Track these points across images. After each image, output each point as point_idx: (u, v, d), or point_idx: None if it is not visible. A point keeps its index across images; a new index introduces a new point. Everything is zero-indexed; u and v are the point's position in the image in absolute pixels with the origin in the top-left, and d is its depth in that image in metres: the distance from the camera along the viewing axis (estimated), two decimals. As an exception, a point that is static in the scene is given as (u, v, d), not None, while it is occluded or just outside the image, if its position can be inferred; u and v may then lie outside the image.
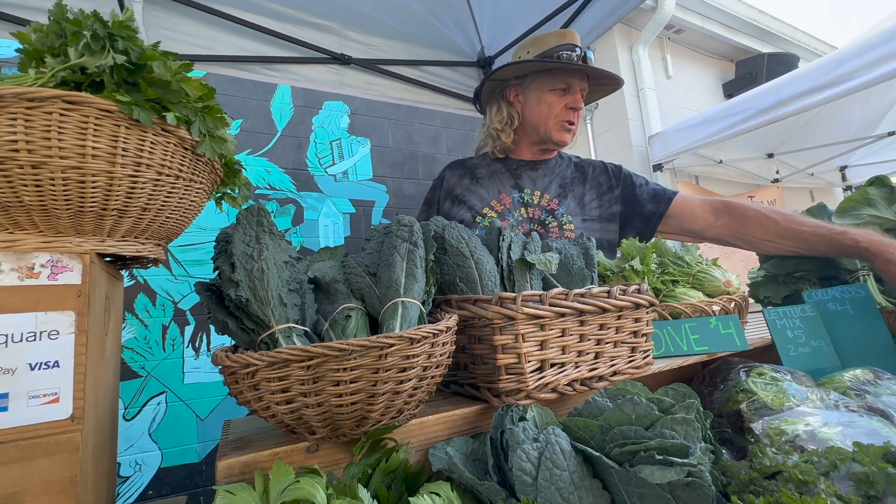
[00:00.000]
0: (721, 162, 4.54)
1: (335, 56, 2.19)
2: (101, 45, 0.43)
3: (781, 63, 4.83)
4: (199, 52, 1.92)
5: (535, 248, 0.98)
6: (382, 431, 0.60)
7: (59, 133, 0.42)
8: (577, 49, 1.34)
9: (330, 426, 0.57)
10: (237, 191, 0.71)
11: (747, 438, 0.85)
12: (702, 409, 0.73)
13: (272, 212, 3.03)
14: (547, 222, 1.38)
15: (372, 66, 2.28)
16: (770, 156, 4.88)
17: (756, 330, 1.31)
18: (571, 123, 1.39)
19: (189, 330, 2.74)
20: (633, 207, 1.45)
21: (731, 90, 5.23)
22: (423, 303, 0.75)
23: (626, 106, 4.45)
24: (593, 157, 4.72)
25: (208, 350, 2.76)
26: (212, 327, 2.90)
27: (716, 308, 1.09)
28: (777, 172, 5.09)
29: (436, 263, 0.86)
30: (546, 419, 0.67)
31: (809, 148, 4.62)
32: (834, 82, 2.84)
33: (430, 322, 0.75)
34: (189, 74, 0.53)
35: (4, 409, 0.41)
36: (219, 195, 0.71)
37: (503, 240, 0.95)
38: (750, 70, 4.99)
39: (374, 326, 0.75)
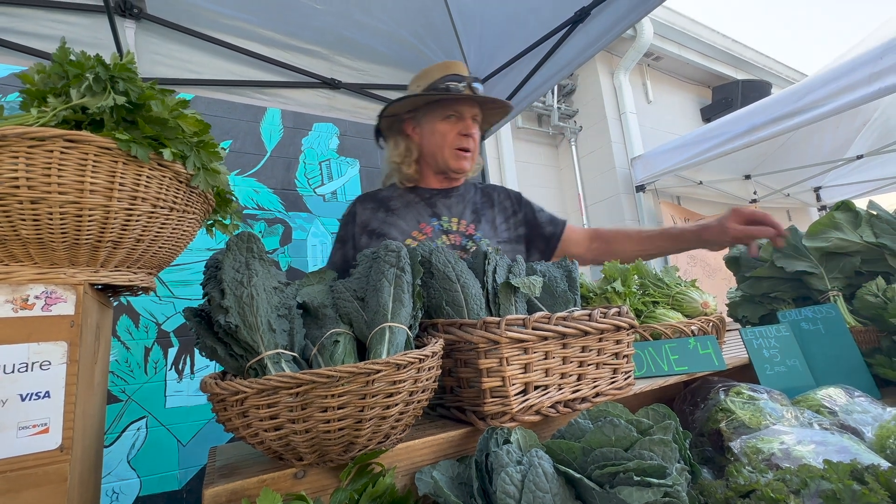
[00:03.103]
0: (701, 183, 4.68)
1: (325, 80, 2.24)
2: (103, 87, 0.45)
3: (755, 89, 5.06)
4: (191, 77, 1.95)
5: (520, 272, 1.01)
6: (369, 456, 0.61)
7: (59, 170, 0.44)
8: (463, 79, 1.40)
9: (317, 452, 0.58)
10: (228, 218, 0.73)
11: (727, 457, 0.87)
12: (680, 429, 0.75)
13: (260, 232, 3.02)
14: (468, 247, 1.40)
15: (361, 90, 2.33)
16: (748, 177, 5.05)
17: (734, 349, 1.35)
18: (466, 150, 1.43)
19: (172, 352, 2.68)
20: (536, 229, 1.54)
21: (708, 114, 5.44)
22: (411, 327, 0.77)
23: (610, 129, 4.60)
24: (579, 179, 4.83)
25: (192, 373, 2.71)
26: (196, 350, 2.84)
27: (694, 328, 1.13)
28: (755, 193, 5.26)
29: (423, 287, 0.88)
30: (530, 441, 0.69)
31: (785, 170, 4.81)
32: (804, 109, 2.99)
33: (416, 346, 0.76)
34: (179, 97, 0.55)
35: (-7, 440, 0.41)
36: (210, 223, 0.73)
37: (488, 263, 0.98)
38: (726, 95, 5.21)
39: (362, 350, 0.76)
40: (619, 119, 4.71)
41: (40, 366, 0.44)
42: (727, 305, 1.65)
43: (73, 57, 0.46)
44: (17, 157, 0.42)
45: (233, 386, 0.54)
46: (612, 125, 4.64)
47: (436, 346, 0.68)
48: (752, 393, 0.99)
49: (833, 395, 0.99)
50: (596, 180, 4.65)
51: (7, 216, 0.43)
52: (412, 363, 0.60)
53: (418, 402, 0.64)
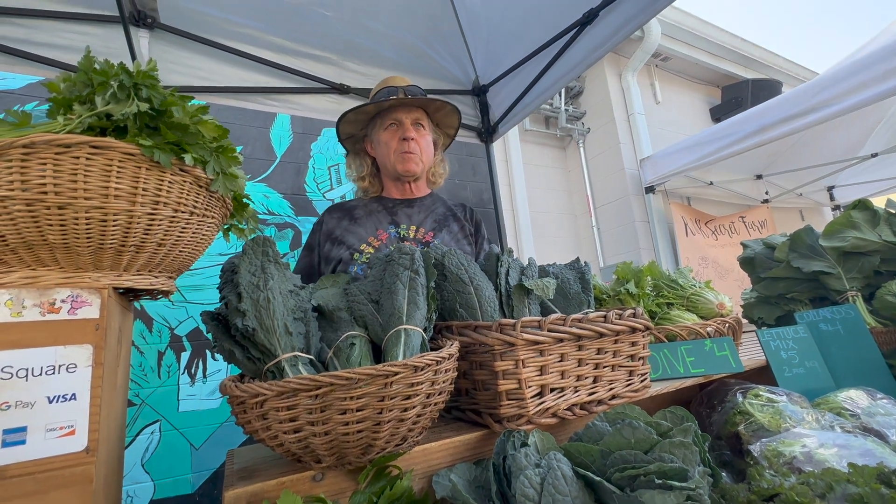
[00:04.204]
0: (711, 183, 4.64)
1: (334, 86, 2.25)
2: (127, 94, 0.46)
3: (765, 88, 5.01)
4: (202, 84, 1.98)
5: (533, 274, 1.00)
6: (387, 459, 0.61)
7: (85, 176, 0.44)
8: (397, 89, 1.48)
9: (336, 454, 0.58)
10: (245, 223, 0.73)
11: (746, 460, 0.86)
12: (699, 431, 0.74)
13: (271, 235, 3.04)
14: None
15: (370, 94, 2.35)
16: (759, 177, 4.99)
17: (751, 351, 1.33)
18: (409, 152, 1.47)
19: (185, 356, 2.71)
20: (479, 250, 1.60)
21: (718, 114, 5.40)
22: (425, 329, 0.77)
23: (618, 130, 4.58)
24: (587, 181, 4.81)
25: (204, 377, 2.73)
26: (208, 353, 2.86)
27: (710, 330, 1.11)
28: (766, 193, 5.20)
29: (436, 290, 0.88)
30: (547, 444, 0.68)
31: (797, 169, 4.75)
32: (815, 108, 2.95)
33: (431, 349, 0.76)
34: (191, 104, 0.56)
35: (23, 442, 0.42)
36: (227, 227, 0.74)
37: (501, 266, 0.98)
38: (735, 95, 5.16)
39: (377, 353, 0.76)
40: (627, 120, 4.69)
41: (67, 368, 0.45)
42: (742, 307, 1.63)
43: (97, 65, 0.47)
44: (44, 164, 0.43)
45: (252, 388, 0.54)
46: (621, 126, 4.62)
47: (452, 348, 0.68)
48: (770, 395, 0.98)
49: (854, 398, 0.97)
50: (605, 182, 4.63)
51: (35, 221, 0.44)
52: (429, 365, 0.60)
53: (435, 404, 0.64)
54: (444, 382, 0.65)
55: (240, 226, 0.72)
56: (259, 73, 2.12)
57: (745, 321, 1.51)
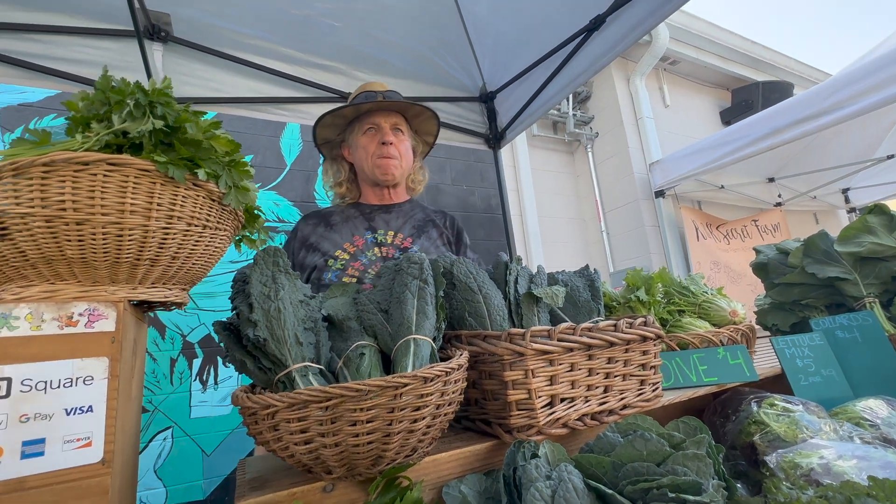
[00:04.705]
0: (722, 187, 4.59)
1: (342, 95, 2.28)
2: (142, 112, 0.47)
3: (777, 90, 4.96)
4: (214, 95, 2.02)
5: (542, 282, 1.00)
6: (397, 470, 0.61)
7: (103, 192, 0.46)
8: (376, 94, 1.45)
9: (346, 465, 0.58)
10: (256, 233, 0.74)
11: (762, 472, 0.84)
12: (713, 442, 0.73)
13: (281, 244, 3.07)
14: None
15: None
16: (771, 180, 4.92)
17: (765, 358, 1.31)
18: (388, 156, 1.44)
19: (197, 363, 2.74)
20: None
21: (728, 117, 5.35)
22: (434, 339, 0.77)
23: (627, 135, 4.56)
24: (596, 186, 4.78)
25: (216, 384, 2.76)
26: (219, 360, 2.89)
27: (723, 338, 1.10)
28: (779, 196, 5.13)
29: (445, 298, 0.88)
30: (558, 455, 0.68)
31: (810, 172, 4.67)
32: (829, 110, 2.91)
33: (441, 358, 0.76)
34: (203, 118, 0.57)
35: (41, 453, 0.43)
36: (238, 238, 0.75)
37: (510, 273, 0.98)
38: (746, 98, 5.12)
39: (387, 363, 0.77)
40: (636, 124, 4.66)
41: (83, 381, 0.46)
42: (755, 313, 1.60)
43: (114, 84, 0.48)
44: (64, 181, 0.44)
45: (264, 400, 0.54)
46: (630, 131, 4.60)
47: (461, 358, 0.68)
48: (786, 404, 0.96)
49: (874, 407, 0.95)
50: (614, 186, 4.60)
51: (54, 237, 0.45)
52: (439, 376, 0.60)
53: (445, 415, 0.64)
54: (453, 393, 0.65)
55: (251, 237, 0.73)
56: (269, 84, 2.15)
57: (758, 328, 1.49)
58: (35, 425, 0.43)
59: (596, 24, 1.93)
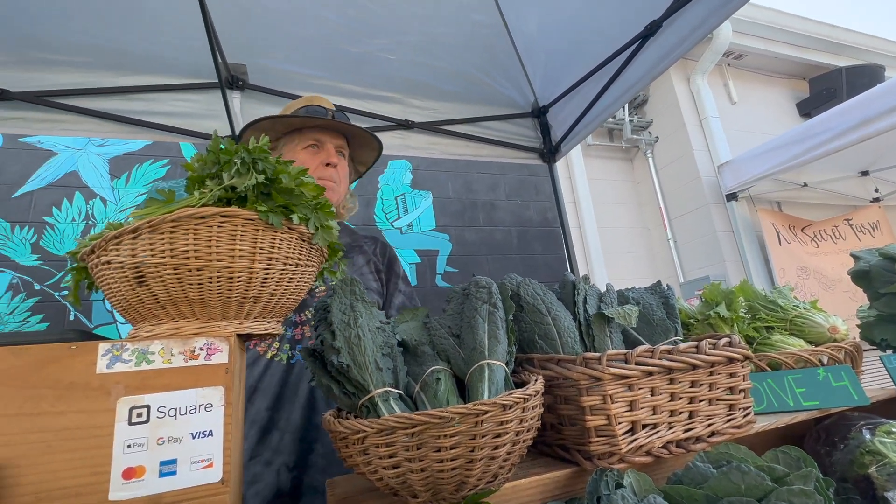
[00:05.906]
0: (806, 185, 4.19)
1: (400, 122, 2.38)
2: (247, 168, 0.54)
3: (864, 75, 4.49)
4: (285, 133, 2.20)
5: (612, 301, 0.97)
6: (480, 496, 0.62)
7: (217, 241, 0.52)
8: (326, 111, 1.33)
9: (431, 490, 0.60)
10: (335, 266, 0.80)
11: (882, 510, 0.75)
12: (821, 476, 0.66)
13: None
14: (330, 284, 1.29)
15: (433, 127, 2.45)
16: (865, 173, 4.42)
17: (875, 378, 1.17)
18: (329, 180, 1.32)
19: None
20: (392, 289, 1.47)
21: (807, 109, 4.90)
22: (507, 363, 0.78)
23: (690, 137, 4.32)
24: (659, 192, 4.56)
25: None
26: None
27: (823, 357, 1.00)
28: (876, 191, 4.58)
29: (513, 321, 0.88)
30: (644, 486, 0.65)
31: (913, 161, 4.15)
32: (932, 92, 2.59)
33: (514, 383, 0.77)
34: (291, 167, 0.64)
35: (174, 472, 0.49)
36: (320, 272, 0.81)
37: (578, 293, 0.96)
38: (827, 86, 4.67)
39: (460, 386, 0.78)
40: (699, 125, 4.41)
41: (205, 408, 0.52)
42: (858, 326, 1.44)
43: (223, 146, 0.55)
44: (188, 234, 0.51)
45: (354, 425, 0.58)
46: (693, 132, 4.36)
47: (537, 384, 0.68)
48: (906, 433, 0.85)
49: None
50: (679, 192, 4.36)
51: (180, 282, 0.52)
52: (517, 403, 0.61)
53: (524, 441, 0.65)
54: (532, 419, 0.65)
55: (332, 269, 0.79)
56: (333, 118, 2.31)
57: (863, 342, 1.33)
58: (169, 447, 0.49)
59: (651, 29, 1.88)
